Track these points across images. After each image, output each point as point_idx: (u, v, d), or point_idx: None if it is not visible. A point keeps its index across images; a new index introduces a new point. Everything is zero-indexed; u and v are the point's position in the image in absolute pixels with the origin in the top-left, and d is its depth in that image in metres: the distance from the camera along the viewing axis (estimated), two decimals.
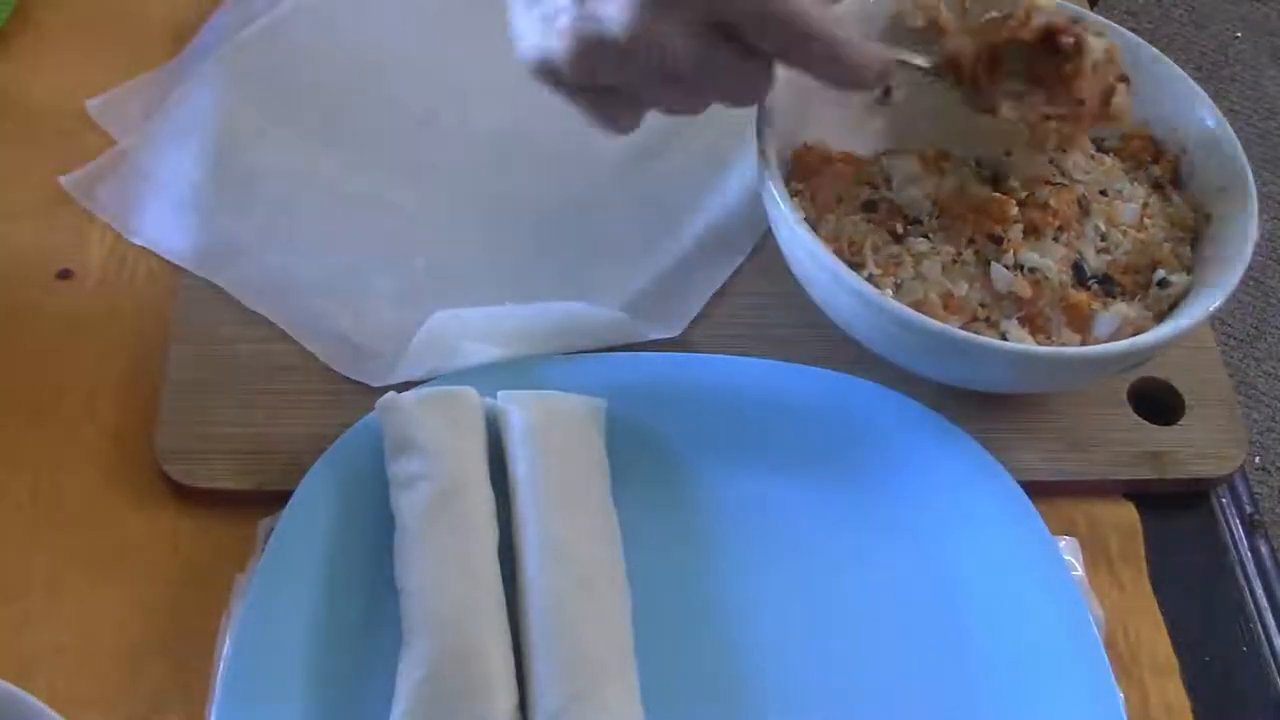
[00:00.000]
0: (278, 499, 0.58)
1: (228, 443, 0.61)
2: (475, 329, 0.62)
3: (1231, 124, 0.66)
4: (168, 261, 0.67)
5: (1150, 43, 0.67)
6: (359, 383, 0.63)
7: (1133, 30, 0.67)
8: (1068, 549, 0.60)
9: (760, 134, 0.62)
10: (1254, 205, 0.62)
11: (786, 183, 0.62)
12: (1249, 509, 0.64)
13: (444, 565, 0.54)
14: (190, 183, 0.68)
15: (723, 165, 0.72)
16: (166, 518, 0.59)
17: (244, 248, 0.67)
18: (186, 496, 0.60)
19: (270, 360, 0.63)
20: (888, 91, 0.67)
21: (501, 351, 0.62)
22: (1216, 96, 0.66)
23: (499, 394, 0.59)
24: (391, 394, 0.58)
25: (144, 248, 0.67)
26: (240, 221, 0.67)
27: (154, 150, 0.70)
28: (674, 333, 0.65)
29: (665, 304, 0.66)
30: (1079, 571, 0.60)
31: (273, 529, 0.56)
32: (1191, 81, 0.66)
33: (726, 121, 0.72)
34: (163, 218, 0.67)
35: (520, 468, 0.57)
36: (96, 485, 0.60)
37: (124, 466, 0.61)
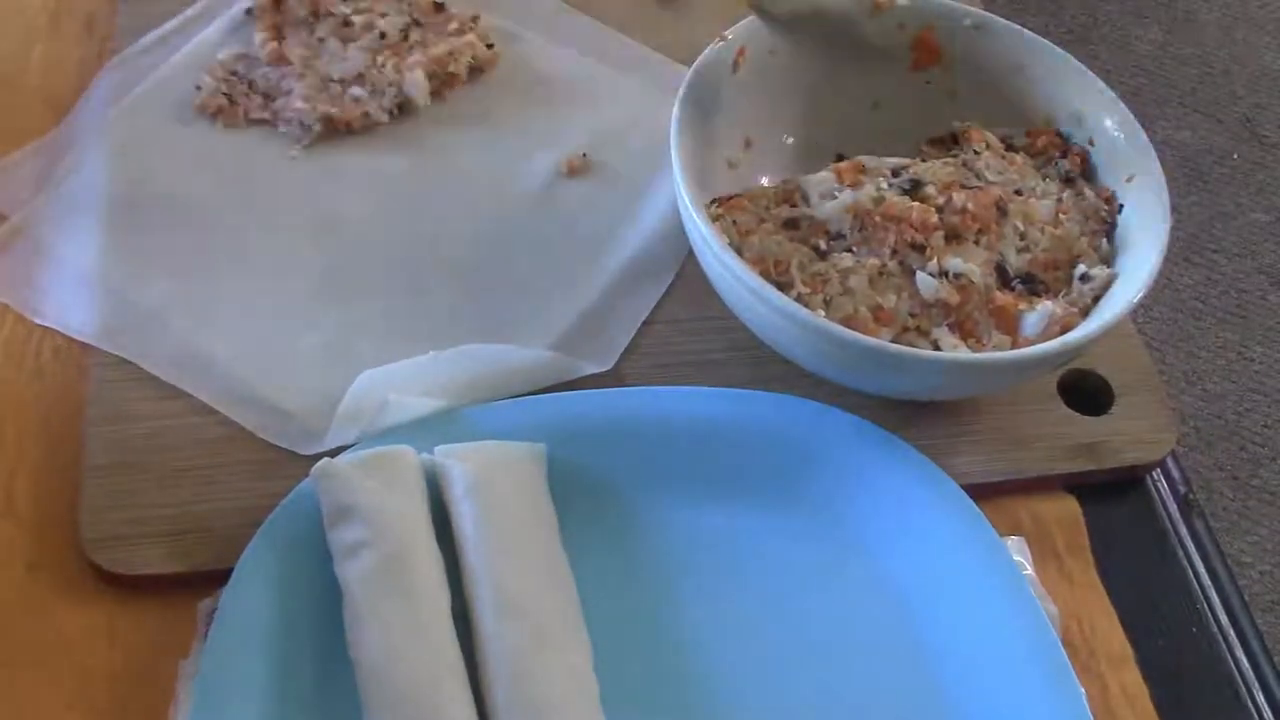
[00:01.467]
0: (216, 578, 0.56)
1: (156, 525, 0.58)
2: (403, 383, 0.60)
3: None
4: (75, 340, 0.64)
5: (1020, 8, 0.68)
6: (285, 450, 0.61)
7: None
8: (1016, 548, 0.60)
9: (677, 160, 0.61)
10: (1165, 194, 0.63)
11: (706, 207, 0.62)
12: (1183, 489, 0.65)
13: (398, 635, 0.52)
14: (90, 256, 0.66)
15: (637, 193, 0.71)
16: (99, 610, 0.57)
17: (153, 320, 0.64)
18: (118, 585, 0.58)
19: (191, 434, 0.61)
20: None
21: (433, 403, 0.60)
22: (1089, 59, 0.67)
23: (436, 449, 0.58)
24: (326, 460, 0.56)
25: (48, 327, 0.64)
26: (146, 293, 0.65)
27: (49, 224, 0.67)
28: (606, 366, 0.64)
29: (594, 339, 0.65)
30: (1029, 571, 0.60)
31: (213, 610, 0.55)
32: (1093, 75, 0.67)
33: (637, 148, 0.72)
34: (65, 295, 0.65)
35: (465, 524, 0.56)
36: (21, 581, 0.58)
37: (49, 559, 0.58)
